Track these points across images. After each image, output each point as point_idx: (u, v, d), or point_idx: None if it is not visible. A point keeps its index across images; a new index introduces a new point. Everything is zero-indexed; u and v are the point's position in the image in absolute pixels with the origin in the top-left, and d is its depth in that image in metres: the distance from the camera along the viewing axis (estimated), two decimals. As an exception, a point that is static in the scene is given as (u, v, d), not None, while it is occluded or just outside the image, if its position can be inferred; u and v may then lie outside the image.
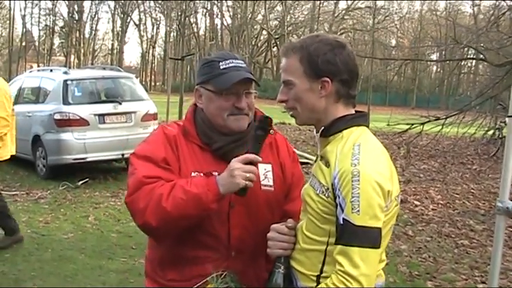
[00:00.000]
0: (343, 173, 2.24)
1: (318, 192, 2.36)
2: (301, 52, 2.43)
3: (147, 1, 76.22)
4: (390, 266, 7.36)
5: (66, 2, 73.86)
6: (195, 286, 2.54)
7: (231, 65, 2.73)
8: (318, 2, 68.37)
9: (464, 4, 56.09)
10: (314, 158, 2.42)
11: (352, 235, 2.20)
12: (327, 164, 2.36)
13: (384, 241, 2.33)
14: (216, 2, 69.60)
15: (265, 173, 2.67)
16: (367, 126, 2.49)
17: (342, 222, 2.22)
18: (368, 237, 2.21)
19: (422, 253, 8.01)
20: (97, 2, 75.43)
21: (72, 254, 7.60)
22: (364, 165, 2.24)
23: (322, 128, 2.45)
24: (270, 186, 2.78)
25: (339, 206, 2.24)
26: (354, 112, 2.49)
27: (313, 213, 2.38)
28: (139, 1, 76.03)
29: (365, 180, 2.21)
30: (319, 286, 2.30)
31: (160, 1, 71.11)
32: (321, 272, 2.37)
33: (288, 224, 2.53)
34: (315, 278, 2.39)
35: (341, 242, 2.22)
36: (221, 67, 2.72)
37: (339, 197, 2.24)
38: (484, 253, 7.94)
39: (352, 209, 2.19)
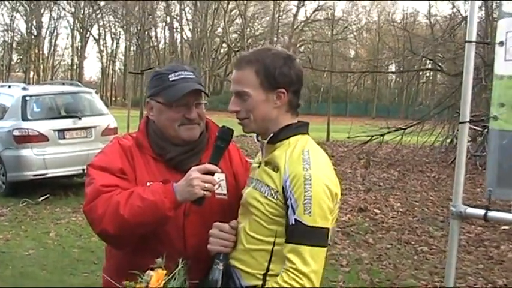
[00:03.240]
0: (295, 176, 2.37)
1: (266, 195, 2.46)
2: (257, 65, 2.52)
3: (106, 16, 75.90)
4: (351, 274, 7.45)
5: (24, 17, 73.14)
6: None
7: (180, 76, 2.78)
8: (277, 14, 68.73)
9: (421, 15, 56.77)
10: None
11: (303, 235, 2.33)
12: (275, 169, 2.47)
13: None
14: (175, 16, 69.52)
15: (219, 181, 2.70)
16: (308, 134, 2.62)
17: (293, 222, 2.34)
18: (318, 237, 2.35)
19: (383, 260, 8.10)
20: (56, 17, 74.88)
21: (33, 271, 7.54)
22: (315, 170, 2.38)
23: (271, 135, 2.54)
24: (224, 194, 2.83)
25: (290, 208, 2.36)
26: (297, 121, 2.62)
27: (260, 215, 2.47)
28: (98, 16, 75.60)
29: (316, 184, 2.35)
30: (270, 286, 2.39)
31: (119, 16, 70.81)
32: (267, 270, 2.47)
33: (230, 224, 2.62)
34: (261, 276, 2.48)
35: (292, 241, 2.35)
36: (170, 79, 2.77)
37: (290, 199, 2.36)
38: (443, 259, 8.04)
39: (305, 210, 2.32)
